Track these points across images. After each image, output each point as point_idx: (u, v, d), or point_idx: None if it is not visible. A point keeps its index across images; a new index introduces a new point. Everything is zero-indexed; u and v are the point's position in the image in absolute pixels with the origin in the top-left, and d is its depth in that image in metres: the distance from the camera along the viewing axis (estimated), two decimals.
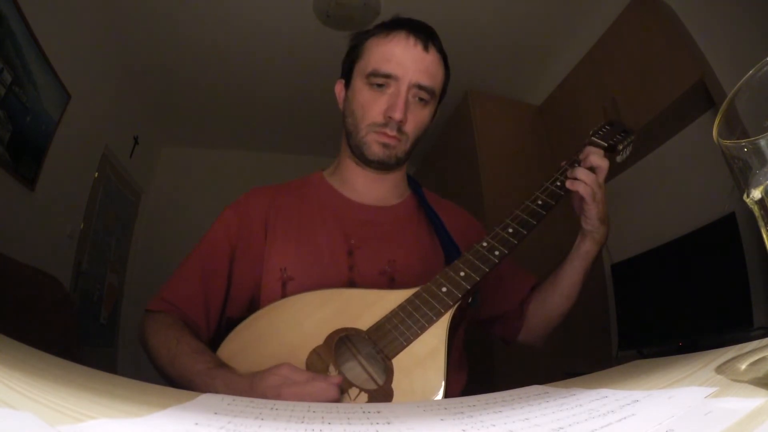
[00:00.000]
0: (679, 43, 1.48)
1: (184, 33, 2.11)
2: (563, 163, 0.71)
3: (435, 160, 2.80)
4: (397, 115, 0.67)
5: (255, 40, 2.17)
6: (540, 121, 2.32)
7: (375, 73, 0.69)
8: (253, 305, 0.70)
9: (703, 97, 1.44)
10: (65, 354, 0.34)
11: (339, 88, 0.78)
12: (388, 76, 0.69)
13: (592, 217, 0.67)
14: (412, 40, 0.69)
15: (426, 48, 0.70)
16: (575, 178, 0.66)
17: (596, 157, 0.67)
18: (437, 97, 0.74)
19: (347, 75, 0.76)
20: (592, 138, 0.73)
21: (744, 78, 0.29)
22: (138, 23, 2.04)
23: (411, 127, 0.71)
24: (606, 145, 0.71)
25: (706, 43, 1.42)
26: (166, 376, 0.58)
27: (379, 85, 0.69)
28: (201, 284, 0.68)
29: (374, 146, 0.71)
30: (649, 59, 1.61)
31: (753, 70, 0.29)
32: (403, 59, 0.69)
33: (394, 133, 0.69)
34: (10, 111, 1.54)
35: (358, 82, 0.72)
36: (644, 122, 1.61)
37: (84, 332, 2.16)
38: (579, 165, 0.68)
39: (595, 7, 1.97)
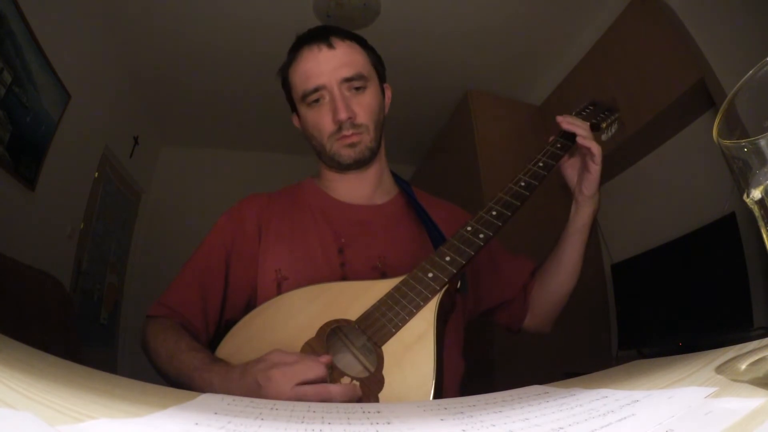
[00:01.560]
0: (679, 43, 1.48)
1: (184, 33, 2.11)
2: (548, 146, 0.72)
3: (435, 160, 2.80)
4: (342, 115, 0.70)
5: (255, 41, 2.17)
6: (540, 121, 2.32)
7: (305, 94, 0.73)
8: (250, 307, 0.71)
9: (703, 97, 1.44)
10: (65, 354, 0.34)
11: (296, 121, 0.82)
12: (316, 90, 0.72)
13: (594, 180, 0.70)
14: (315, 48, 0.73)
15: (330, 45, 0.73)
16: (584, 137, 0.69)
17: (574, 126, 0.70)
18: (372, 77, 0.76)
19: (295, 109, 0.80)
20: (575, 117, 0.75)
21: (744, 78, 0.29)
22: (138, 24, 2.04)
23: (364, 116, 0.73)
24: (589, 123, 0.72)
25: (706, 43, 1.41)
26: (166, 376, 0.59)
27: (316, 101, 0.73)
28: (199, 289, 0.70)
29: (343, 151, 0.73)
30: (649, 59, 1.61)
31: (753, 70, 0.29)
32: (317, 68, 0.72)
33: (350, 131, 0.72)
34: (10, 111, 1.54)
35: (301, 110, 0.76)
36: (644, 122, 1.61)
37: (84, 332, 2.15)
38: (560, 143, 0.71)
39: (595, 7, 1.97)
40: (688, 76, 1.44)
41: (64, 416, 0.20)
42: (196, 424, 0.24)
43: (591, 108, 0.77)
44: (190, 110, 2.78)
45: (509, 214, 0.62)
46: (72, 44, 1.89)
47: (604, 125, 0.75)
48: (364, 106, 0.73)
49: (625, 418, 0.24)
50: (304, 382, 0.45)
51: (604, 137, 0.75)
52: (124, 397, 0.28)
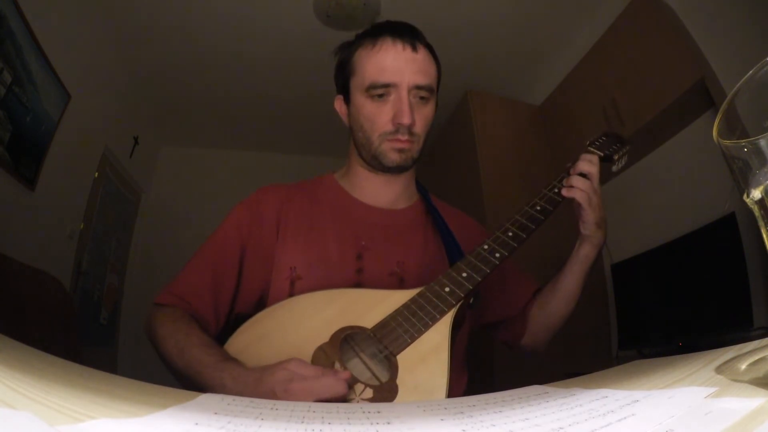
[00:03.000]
0: (679, 43, 1.48)
1: (184, 33, 2.11)
2: (564, 174, 0.73)
3: (435, 160, 2.80)
4: (406, 120, 0.68)
5: (255, 41, 2.17)
6: (540, 121, 2.32)
7: (373, 86, 0.70)
8: (261, 302, 0.70)
9: (703, 97, 1.44)
10: (65, 354, 0.34)
11: (339, 104, 0.79)
12: (386, 86, 0.69)
13: (589, 222, 0.69)
14: (399, 45, 0.70)
15: (414, 48, 0.71)
16: (570, 186, 0.68)
17: (585, 163, 0.70)
18: (436, 91, 0.75)
19: (344, 90, 0.76)
20: (588, 148, 0.76)
21: (744, 78, 0.29)
22: (138, 24, 2.04)
23: (420, 127, 0.72)
24: (602, 155, 0.74)
25: (706, 43, 1.42)
26: (173, 368, 0.58)
27: (380, 95, 0.70)
28: (211, 279, 0.68)
29: (390, 154, 0.72)
30: (649, 59, 1.61)
31: (753, 70, 0.29)
32: (397, 66, 0.69)
33: (406, 137, 0.70)
34: (10, 111, 1.54)
35: (359, 98, 0.73)
36: (644, 122, 1.61)
37: (84, 332, 2.15)
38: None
39: (595, 7, 1.97)
40: (688, 76, 1.44)
41: (64, 416, 0.20)
42: (196, 424, 0.24)
43: (603, 139, 0.78)
44: (190, 110, 2.78)
45: (524, 236, 0.64)
46: (72, 44, 1.89)
47: (616, 157, 0.76)
48: (423, 117, 0.72)
49: (625, 418, 0.24)
50: (323, 399, 0.44)
51: (614, 168, 0.77)
52: (124, 397, 0.28)
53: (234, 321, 0.69)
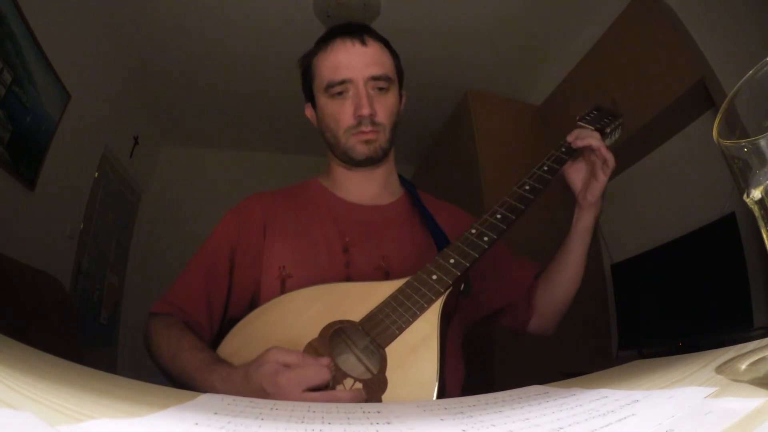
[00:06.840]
0: (679, 43, 1.48)
1: (184, 33, 2.11)
2: (553, 151, 0.72)
3: (435, 160, 2.80)
4: (365, 111, 0.71)
5: (255, 41, 2.17)
6: (540, 121, 2.32)
7: (330, 84, 0.73)
8: (254, 304, 0.71)
9: (703, 97, 1.44)
10: (65, 354, 0.34)
11: (309, 112, 0.82)
12: (342, 82, 0.72)
13: (601, 188, 0.70)
14: (349, 42, 0.73)
15: (363, 42, 0.73)
16: (584, 137, 0.69)
17: (584, 132, 0.71)
18: (395, 80, 0.77)
19: (310, 97, 0.80)
20: (579, 123, 0.75)
21: (744, 78, 0.29)
22: (138, 23, 2.04)
23: (383, 116, 0.74)
24: (593, 128, 0.73)
25: (706, 43, 1.42)
26: (168, 374, 0.59)
27: (339, 93, 0.73)
28: (204, 286, 0.70)
29: (358, 147, 0.74)
30: (649, 59, 1.61)
31: (753, 70, 0.29)
32: (349, 61, 0.72)
33: (369, 128, 0.73)
34: (10, 111, 1.54)
35: (321, 99, 0.76)
36: (644, 122, 1.61)
37: (84, 332, 2.15)
38: (566, 147, 0.71)
39: (596, 7, 1.97)
40: (688, 76, 1.44)
41: (64, 416, 0.20)
42: (196, 424, 0.24)
43: (595, 113, 0.77)
44: (190, 110, 2.78)
45: (513, 217, 0.62)
46: (72, 44, 1.89)
47: (608, 130, 0.75)
48: (385, 106, 0.74)
49: (625, 418, 0.24)
50: (310, 387, 0.45)
51: (607, 142, 0.76)
52: (124, 397, 0.28)
53: (228, 325, 0.69)
